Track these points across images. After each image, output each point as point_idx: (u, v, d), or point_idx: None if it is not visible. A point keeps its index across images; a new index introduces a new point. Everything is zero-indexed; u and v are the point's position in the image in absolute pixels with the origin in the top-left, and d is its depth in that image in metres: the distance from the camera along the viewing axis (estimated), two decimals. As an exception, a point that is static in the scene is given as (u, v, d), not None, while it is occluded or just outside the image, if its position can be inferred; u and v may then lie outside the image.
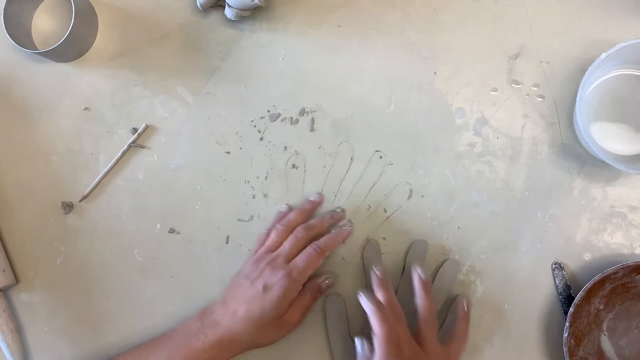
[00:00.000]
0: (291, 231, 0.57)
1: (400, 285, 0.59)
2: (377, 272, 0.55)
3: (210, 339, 0.54)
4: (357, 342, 0.53)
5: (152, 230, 0.62)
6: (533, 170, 0.59)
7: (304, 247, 0.56)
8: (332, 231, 0.59)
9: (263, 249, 0.58)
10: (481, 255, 0.59)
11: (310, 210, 0.60)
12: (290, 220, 0.58)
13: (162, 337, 0.57)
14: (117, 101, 0.63)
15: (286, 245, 0.57)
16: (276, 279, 0.54)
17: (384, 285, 0.54)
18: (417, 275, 0.55)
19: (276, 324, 0.55)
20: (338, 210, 0.60)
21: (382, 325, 0.51)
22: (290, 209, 0.60)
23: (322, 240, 0.57)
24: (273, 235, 0.58)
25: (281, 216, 0.59)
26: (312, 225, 0.58)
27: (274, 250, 0.57)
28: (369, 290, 0.54)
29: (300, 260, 0.56)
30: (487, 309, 0.59)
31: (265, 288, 0.54)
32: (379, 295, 0.54)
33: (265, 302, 0.54)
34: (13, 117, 0.64)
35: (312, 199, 0.60)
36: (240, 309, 0.54)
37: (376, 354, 0.50)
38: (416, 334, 0.53)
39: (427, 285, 0.55)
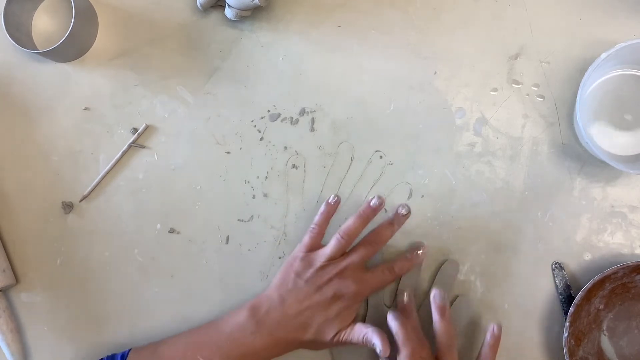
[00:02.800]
0: (352, 240, 0.56)
1: (400, 285, 0.59)
2: (405, 298, 0.56)
3: (266, 340, 0.54)
4: (377, 348, 0.52)
5: (152, 230, 0.62)
6: (533, 170, 0.59)
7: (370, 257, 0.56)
8: (407, 254, 0.57)
9: (322, 257, 0.55)
10: (481, 255, 0.59)
11: (371, 217, 0.57)
12: (352, 230, 0.56)
13: (210, 330, 0.56)
14: (117, 101, 0.63)
15: (355, 257, 0.55)
16: (348, 291, 0.54)
17: (408, 310, 0.55)
18: (434, 300, 0.54)
19: (330, 340, 0.54)
20: (402, 212, 0.57)
21: (406, 344, 0.51)
22: (338, 200, 0.58)
23: (398, 264, 0.56)
24: (334, 244, 0.55)
25: (344, 229, 0.56)
26: (378, 238, 0.56)
27: (334, 259, 0.55)
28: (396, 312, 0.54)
29: (372, 278, 0.55)
30: (487, 309, 0.59)
31: (335, 297, 0.54)
32: (405, 318, 0.54)
33: (331, 313, 0.54)
34: (13, 117, 0.64)
35: (372, 203, 0.56)
36: (302, 314, 0.54)
37: None
38: (437, 357, 0.53)
39: (444, 310, 0.54)
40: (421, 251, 0.57)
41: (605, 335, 0.58)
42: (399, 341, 0.52)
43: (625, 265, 0.55)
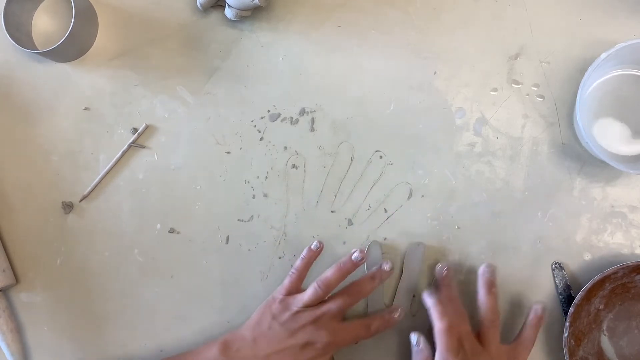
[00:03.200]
0: (330, 291, 0.55)
1: (399, 286, 0.59)
2: (443, 270, 0.56)
3: None
4: (412, 337, 0.53)
5: (152, 230, 0.62)
6: (533, 170, 0.59)
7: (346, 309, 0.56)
8: (385, 314, 0.56)
9: (299, 302, 0.55)
10: (481, 255, 0.59)
11: (351, 270, 0.56)
12: (331, 281, 0.55)
13: None
14: (117, 101, 0.63)
15: (332, 306, 0.55)
16: (320, 340, 0.54)
17: (445, 282, 0.55)
18: (483, 274, 0.55)
19: None
20: (386, 268, 0.56)
21: (442, 318, 0.52)
22: (321, 247, 0.57)
23: (375, 322, 0.56)
24: (311, 293, 0.55)
25: (322, 279, 0.56)
26: (358, 291, 0.56)
27: (311, 306, 0.55)
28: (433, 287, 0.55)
29: (347, 332, 0.55)
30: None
31: (307, 345, 0.54)
32: (441, 292, 0.54)
33: (301, 358, 0.54)
34: (13, 117, 0.64)
35: (353, 257, 0.56)
36: (273, 356, 0.54)
37: (437, 349, 0.51)
38: (479, 333, 0.53)
39: (492, 284, 0.54)
40: (398, 314, 0.57)
41: (605, 335, 0.58)
42: (435, 316, 0.52)
43: (625, 265, 0.55)
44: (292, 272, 0.57)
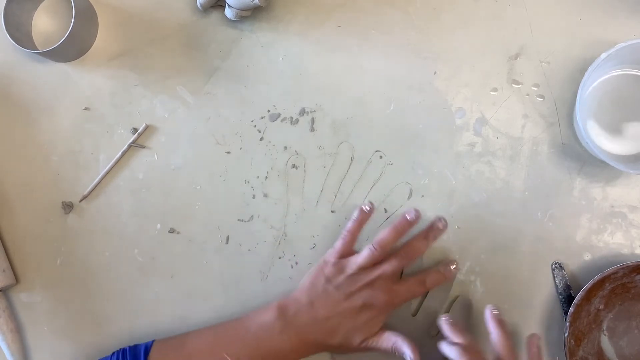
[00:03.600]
0: (385, 251, 0.55)
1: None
2: (449, 319, 0.53)
3: (294, 343, 0.54)
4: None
5: (152, 230, 0.62)
6: (533, 170, 0.59)
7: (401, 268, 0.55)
8: (440, 268, 0.56)
9: (354, 265, 0.54)
10: (481, 255, 0.59)
11: (406, 229, 0.55)
12: (386, 241, 0.54)
13: (237, 326, 0.55)
14: (117, 101, 0.63)
15: (387, 268, 0.54)
16: (378, 301, 0.54)
17: (459, 330, 0.52)
18: (491, 316, 0.53)
19: (356, 346, 0.54)
20: (439, 225, 0.55)
21: None
22: (372, 208, 0.56)
23: (430, 277, 0.55)
24: (366, 254, 0.54)
25: (378, 240, 0.54)
26: (412, 251, 0.55)
27: (366, 268, 0.55)
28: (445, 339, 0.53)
29: (403, 290, 0.55)
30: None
31: (364, 306, 0.54)
32: (459, 339, 0.52)
33: (359, 321, 0.54)
34: (13, 117, 0.64)
35: (409, 217, 0.55)
36: (331, 319, 0.54)
37: None
38: None
39: (502, 323, 0.53)
40: (454, 266, 0.56)
41: (605, 335, 0.58)
42: None
43: (625, 265, 0.55)
44: (345, 234, 0.56)
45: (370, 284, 0.54)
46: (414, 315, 0.59)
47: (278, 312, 0.55)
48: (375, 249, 0.54)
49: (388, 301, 0.54)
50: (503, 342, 0.52)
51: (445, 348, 0.52)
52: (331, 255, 0.56)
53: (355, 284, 0.54)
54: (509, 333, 0.53)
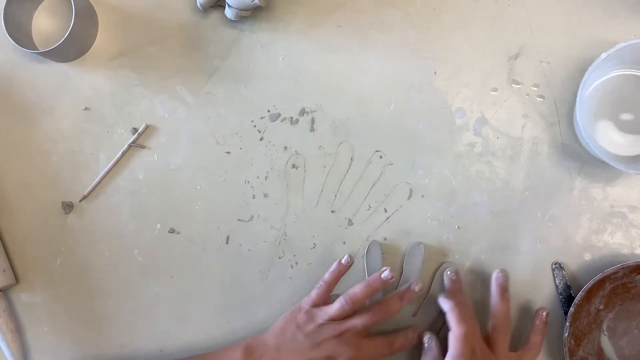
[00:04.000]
0: (357, 307, 0.55)
1: (399, 286, 0.59)
2: (451, 274, 0.56)
3: None
4: (425, 338, 0.54)
5: (152, 230, 0.62)
6: (533, 170, 0.59)
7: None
8: (409, 333, 0.56)
9: (325, 315, 0.55)
10: (481, 255, 0.59)
11: (380, 288, 0.56)
12: (358, 297, 0.55)
13: None
14: (117, 101, 0.63)
15: (357, 322, 0.54)
16: (343, 355, 0.54)
17: (456, 287, 0.56)
18: (496, 279, 0.55)
19: None
20: (416, 289, 0.56)
21: (462, 324, 0.52)
22: (351, 262, 0.58)
23: (399, 340, 0.56)
24: (337, 307, 0.55)
25: (350, 295, 0.55)
26: (385, 310, 0.56)
27: (337, 320, 0.55)
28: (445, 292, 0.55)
29: (370, 348, 0.55)
30: (487, 309, 0.59)
31: (329, 358, 0.54)
32: (454, 296, 0.55)
33: None
34: (13, 117, 0.64)
35: (383, 275, 0.56)
36: None
37: (449, 352, 0.51)
38: (488, 337, 0.54)
39: (505, 290, 0.55)
40: (427, 337, 0.56)
41: (605, 335, 0.58)
42: (453, 321, 0.52)
43: (625, 265, 0.55)
44: (320, 284, 0.57)
45: (338, 336, 0.54)
46: (414, 315, 0.59)
47: (244, 352, 0.55)
48: (346, 302, 0.55)
49: (353, 357, 0.54)
50: (500, 308, 0.55)
51: (441, 301, 0.55)
52: (305, 302, 0.57)
53: (323, 335, 0.54)
54: (508, 300, 0.55)
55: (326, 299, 0.57)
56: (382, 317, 0.55)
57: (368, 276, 0.59)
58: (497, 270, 0.56)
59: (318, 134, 0.61)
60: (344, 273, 0.58)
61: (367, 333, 0.56)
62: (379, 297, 0.59)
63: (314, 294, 0.57)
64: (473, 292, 0.59)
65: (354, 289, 0.56)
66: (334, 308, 0.55)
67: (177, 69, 0.63)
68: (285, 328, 0.56)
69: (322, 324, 0.55)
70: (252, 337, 0.57)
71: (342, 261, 0.58)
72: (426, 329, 0.58)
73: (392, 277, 0.56)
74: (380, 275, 0.56)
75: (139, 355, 0.61)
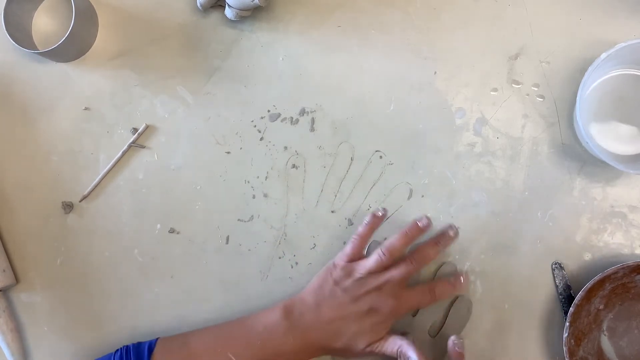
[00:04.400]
0: (394, 257, 0.55)
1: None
2: (456, 345, 0.54)
3: (298, 344, 0.54)
4: (450, 341, 0.53)
5: (152, 230, 0.62)
6: (533, 170, 0.59)
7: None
8: (450, 278, 0.56)
9: (362, 269, 0.54)
10: (481, 255, 0.59)
11: (416, 236, 0.55)
12: (396, 247, 0.54)
13: (241, 325, 0.55)
14: (117, 101, 0.63)
15: (396, 273, 0.54)
16: (385, 306, 0.53)
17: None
18: (453, 346, 0.53)
19: (361, 350, 0.54)
20: (451, 233, 0.55)
21: None
22: (385, 214, 0.57)
23: (439, 287, 0.55)
24: (375, 259, 0.54)
25: (387, 245, 0.54)
26: (422, 257, 0.55)
27: (375, 272, 0.54)
28: None
29: (411, 297, 0.55)
30: (487, 309, 0.59)
31: (371, 311, 0.53)
32: None
33: (365, 325, 0.53)
34: (13, 117, 0.64)
35: (420, 223, 0.55)
36: (336, 322, 0.54)
37: None
38: None
39: (462, 357, 0.53)
40: (464, 278, 0.56)
41: (605, 335, 0.58)
42: None
43: (625, 265, 0.55)
44: (355, 238, 0.56)
45: (377, 289, 0.54)
46: (414, 315, 0.59)
47: (283, 312, 0.55)
48: (384, 254, 0.54)
49: (395, 307, 0.54)
50: None
51: None
52: (340, 258, 0.56)
53: (363, 288, 0.54)
54: None
55: (361, 252, 0.56)
56: (420, 265, 0.55)
57: None
58: (453, 337, 0.54)
59: (318, 134, 0.61)
60: (379, 226, 0.57)
61: (406, 283, 0.55)
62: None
63: (348, 248, 0.56)
64: (473, 292, 0.59)
65: (391, 239, 0.55)
66: (371, 261, 0.54)
67: (177, 69, 0.63)
68: (323, 284, 0.55)
69: (360, 278, 0.54)
70: (288, 298, 0.56)
71: (377, 213, 0.56)
72: (426, 328, 0.58)
73: (429, 224, 0.55)
74: (417, 223, 0.55)
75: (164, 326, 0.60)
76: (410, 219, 0.60)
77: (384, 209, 0.57)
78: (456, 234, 0.56)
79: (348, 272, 0.55)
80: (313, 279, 0.57)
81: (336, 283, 0.55)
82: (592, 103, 0.59)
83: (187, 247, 0.62)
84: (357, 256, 0.56)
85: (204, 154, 0.62)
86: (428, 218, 0.55)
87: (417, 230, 0.55)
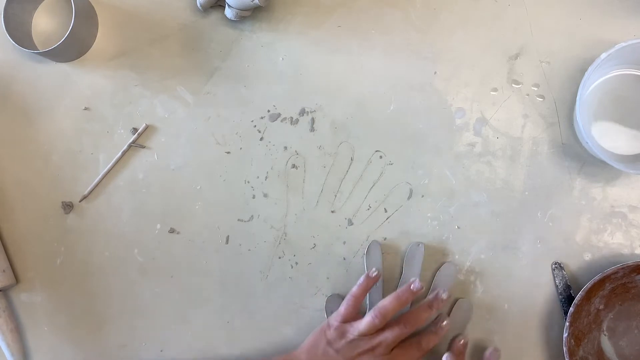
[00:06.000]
0: (387, 320, 0.55)
1: (399, 286, 0.59)
2: (460, 342, 0.56)
3: None
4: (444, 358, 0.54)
5: (152, 230, 0.62)
6: (533, 170, 0.59)
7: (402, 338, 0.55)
8: (432, 327, 0.57)
9: (355, 331, 0.55)
10: (481, 255, 0.59)
11: (410, 299, 0.55)
12: (388, 310, 0.54)
13: None
14: (117, 101, 0.63)
15: (389, 336, 0.54)
16: None
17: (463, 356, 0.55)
18: (490, 357, 0.55)
19: None
20: (443, 296, 0.56)
21: None
22: (379, 275, 0.57)
23: (425, 339, 0.56)
24: (368, 322, 0.54)
25: (380, 308, 0.55)
26: (415, 320, 0.55)
27: (367, 335, 0.55)
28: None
29: (401, 356, 0.55)
30: (487, 309, 0.59)
31: None
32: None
33: None
34: (13, 117, 0.64)
35: (413, 287, 0.55)
36: None
37: None
38: None
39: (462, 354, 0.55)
40: (445, 322, 0.56)
41: (605, 335, 0.58)
42: None
43: (625, 265, 0.55)
44: (348, 298, 0.57)
45: (370, 351, 0.54)
46: (414, 315, 0.59)
47: None
48: (376, 317, 0.54)
49: None
50: None
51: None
52: (335, 319, 0.56)
53: (355, 350, 0.54)
54: None
55: (355, 313, 0.57)
56: (412, 328, 0.55)
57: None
58: (491, 349, 0.56)
59: (318, 134, 0.61)
60: (372, 286, 0.58)
61: (397, 343, 0.56)
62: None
63: (342, 309, 0.56)
64: (473, 292, 0.59)
65: (384, 302, 0.55)
66: (364, 323, 0.55)
67: (177, 69, 0.63)
68: (317, 344, 0.56)
69: (353, 339, 0.54)
70: (282, 355, 0.56)
71: (370, 274, 0.57)
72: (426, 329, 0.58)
73: (421, 288, 0.55)
74: (410, 286, 0.55)
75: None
76: (410, 219, 0.60)
77: (378, 270, 0.57)
78: (448, 295, 0.56)
79: (341, 333, 0.55)
80: (308, 338, 0.57)
81: (329, 344, 0.55)
82: (592, 103, 0.59)
83: (187, 247, 0.62)
84: (351, 317, 0.56)
85: (204, 154, 0.62)
86: (420, 282, 0.55)
87: (409, 294, 0.55)
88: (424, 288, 0.58)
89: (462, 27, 0.61)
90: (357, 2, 0.62)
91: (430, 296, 0.57)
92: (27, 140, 0.63)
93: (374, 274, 0.57)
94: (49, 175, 0.63)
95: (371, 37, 0.62)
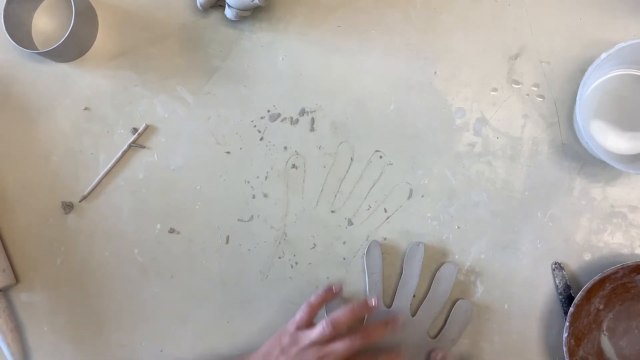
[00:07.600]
0: (338, 332, 0.55)
1: (399, 286, 0.59)
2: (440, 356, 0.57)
3: None
4: None
5: (152, 230, 0.62)
6: (533, 170, 0.59)
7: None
8: (387, 348, 0.57)
9: (307, 339, 0.55)
10: (481, 255, 0.59)
11: (364, 314, 0.56)
12: (340, 321, 0.54)
13: None
14: (117, 101, 0.63)
15: (339, 346, 0.54)
16: None
17: None
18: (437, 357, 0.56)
19: None
20: (399, 322, 0.57)
21: None
22: (340, 292, 0.57)
23: (384, 358, 0.56)
24: (318, 331, 0.54)
25: (332, 318, 0.55)
26: (368, 335, 0.55)
27: (319, 344, 0.55)
28: None
29: None
30: (487, 309, 0.59)
31: None
32: None
33: None
34: (13, 117, 0.64)
35: (369, 302, 0.56)
36: None
37: None
38: None
39: None
40: (401, 356, 0.57)
41: (605, 335, 0.58)
42: None
43: (625, 265, 0.55)
44: (304, 306, 0.57)
45: None
46: (414, 315, 0.59)
47: None
48: (327, 327, 0.54)
49: None
50: None
51: None
52: (290, 325, 0.57)
53: (305, 358, 0.54)
54: None
55: (310, 321, 0.57)
56: (365, 342, 0.55)
57: (368, 276, 0.59)
58: (438, 351, 0.57)
59: (318, 134, 0.61)
60: (331, 300, 0.58)
61: (349, 356, 0.55)
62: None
63: (297, 316, 0.56)
64: (473, 292, 0.59)
65: (337, 312, 0.55)
66: (315, 332, 0.55)
67: (177, 69, 0.63)
68: (271, 350, 0.56)
69: (304, 347, 0.54)
70: (236, 358, 0.57)
71: (333, 289, 0.57)
72: (425, 329, 0.58)
73: (377, 307, 0.56)
74: (366, 302, 0.56)
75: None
76: (410, 219, 0.60)
77: (340, 286, 0.58)
78: (402, 324, 0.57)
79: (294, 340, 0.55)
80: (265, 343, 0.57)
81: (282, 351, 0.55)
82: (592, 103, 0.59)
83: (187, 247, 0.62)
84: (305, 325, 0.56)
85: (204, 154, 0.62)
86: (379, 299, 0.56)
87: (365, 308, 0.55)
88: (425, 289, 0.58)
89: (462, 27, 0.61)
90: (357, 2, 0.62)
91: (388, 316, 0.57)
92: (27, 140, 0.63)
93: (336, 289, 0.57)
94: (49, 175, 0.63)
95: (371, 37, 0.62)
